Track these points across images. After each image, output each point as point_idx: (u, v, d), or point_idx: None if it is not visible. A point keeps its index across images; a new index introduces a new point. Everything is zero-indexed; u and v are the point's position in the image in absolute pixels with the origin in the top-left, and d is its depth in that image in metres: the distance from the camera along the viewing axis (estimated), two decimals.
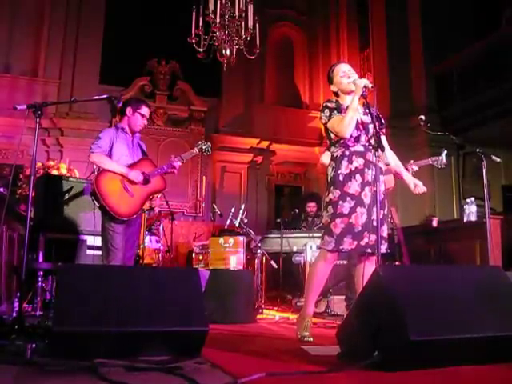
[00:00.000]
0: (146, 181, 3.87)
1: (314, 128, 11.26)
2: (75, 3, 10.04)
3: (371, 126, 3.05)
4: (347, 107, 3.06)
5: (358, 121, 3.09)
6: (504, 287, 2.46)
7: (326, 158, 4.24)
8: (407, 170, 4.08)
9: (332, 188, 3.08)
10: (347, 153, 3.08)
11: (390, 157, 3.32)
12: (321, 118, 3.18)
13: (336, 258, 3.18)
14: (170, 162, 4.03)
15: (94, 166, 4.04)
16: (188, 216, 10.08)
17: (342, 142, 3.10)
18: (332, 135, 3.15)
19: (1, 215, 3.41)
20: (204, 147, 4.22)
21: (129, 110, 3.95)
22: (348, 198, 3.01)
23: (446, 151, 4.11)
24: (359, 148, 3.08)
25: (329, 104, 3.16)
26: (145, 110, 3.99)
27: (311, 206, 6.70)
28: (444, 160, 4.09)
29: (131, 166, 3.86)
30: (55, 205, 4.74)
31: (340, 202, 3.01)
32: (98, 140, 3.84)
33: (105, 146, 3.83)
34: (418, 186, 3.31)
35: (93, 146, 3.81)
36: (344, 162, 3.07)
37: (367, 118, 3.11)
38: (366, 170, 3.03)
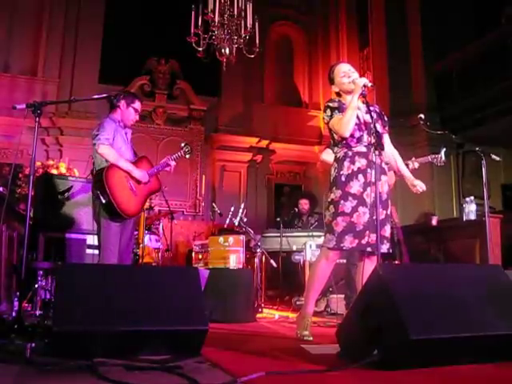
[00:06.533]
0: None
1: (313, 127, 11.27)
2: (75, 2, 10.04)
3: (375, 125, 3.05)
4: None
5: (360, 121, 3.09)
6: (503, 286, 2.46)
7: (326, 155, 4.24)
8: (407, 165, 4.09)
9: (334, 188, 3.09)
10: (350, 153, 3.08)
11: (392, 155, 3.32)
12: (323, 118, 3.20)
13: (338, 256, 3.19)
14: (165, 161, 4.02)
15: (97, 164, 3.93)
16: (187, 215, 10.09)
17: (344, 142, 3.10)
18: (335, 135, 3.16)
19: (0, 214, 3.41)
20: (186, 150, 4.19)
21: (122, 104, 3.87)
22: (350, 198, 3.01)
23: (444, 149, 4.11)
24: (362, 148, 3.08)
25: (330, 104, 3.17)
26: (138, 105, 3.96)
27: (303, 203, 6.70)
28: (443, 158, 4.10)
29: (134, 164, 3.82)
30: (55, 204, 4.73)
31: (342, 202, 3.02)
32: (104, 131, 3.70)
33: (111, 137, 3.71)
34: (416, 186, 3.29)
35: (100, 136, 3.66)
36: (346, 163, 3.07)
37: (370, 118, 3.11)
38: (369, 170, 3.02)
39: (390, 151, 3.32)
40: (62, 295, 2.30)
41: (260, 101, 11.22)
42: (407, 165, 4.09)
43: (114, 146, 3.74)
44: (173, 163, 4.05)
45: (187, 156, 4.26)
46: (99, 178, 3.64)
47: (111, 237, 3.67)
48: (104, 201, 3.58)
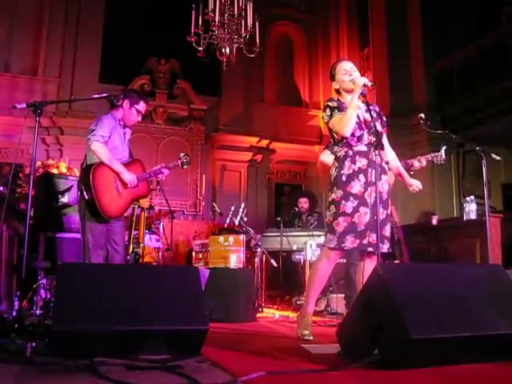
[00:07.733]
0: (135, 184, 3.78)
1: (313, 126, 11.26)
2: (74, 2, 10.04)
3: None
4: None
5: (360, 120, 3.09)
6: (504, 285, 2.46)
7: (324, 156, 4.25)
8: (413, 165, 4.09)
9: (335, 188, 3.08)
10: (350, 153, 3.08)
11: (390, 156, 3.32)
12: (323, 117, 3.19)
13: (339, 256, 3.19)
14: (158, 169, 3.96)
15: (89, 159, 3.83)
16: (188, 215, 10.08)
17: (345, 141, 3.10)
18: (335, 135, 3.16)
19: (1, 214, 3.41)
20: (185, 161, 4.17)
21: (126, 103, 3.80)
22: (351, 198, 3.01)
23: (445, 147, 4.11)
24: (362, 148, 3.08)
25: (330, 103, 3.16)
26: (142, 106, 3.86)
27: (302, 202, 6.70)
28: (443, 156, 4.11)
29: (126, 167, 3.74)
30: (55, 204, 4.73)
31: (343, 202, 3.02)
32: (102, 127, 3.62)
33: (107, 135, 3.64)
34: (412, 186, 3.32)
35: (96, 132, 3.58)
36: (347, 163, 3.07)
37: (370, 117, 3.11)
38: (370, 170, 3.02)
39: (389, 152, 3.32)
40: (62, 295, 2.30)
41: (260, 100, 11.22)
42: (413, 164, 4.09)
43: (108, 144, 3.66)
44: (166, 171, 3.98)
45: (184, 167, 4.21)
46: (86, 174, 3.57)
47: (95, 236, 3.60)
48: (87, 197, 3.52)
